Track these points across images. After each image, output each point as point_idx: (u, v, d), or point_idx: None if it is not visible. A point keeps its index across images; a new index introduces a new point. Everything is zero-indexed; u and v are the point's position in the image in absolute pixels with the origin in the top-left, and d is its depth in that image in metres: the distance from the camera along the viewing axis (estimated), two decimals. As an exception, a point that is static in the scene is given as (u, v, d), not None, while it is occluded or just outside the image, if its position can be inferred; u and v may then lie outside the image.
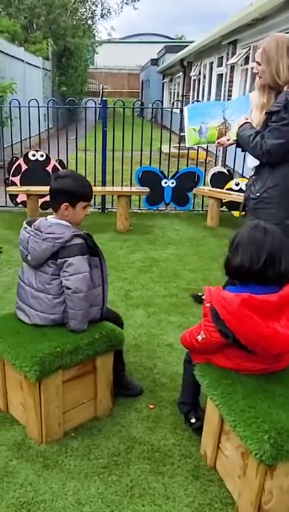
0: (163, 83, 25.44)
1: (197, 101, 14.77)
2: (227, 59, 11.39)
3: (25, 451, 2.37)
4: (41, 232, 2.37)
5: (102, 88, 31.33)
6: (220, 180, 6.57)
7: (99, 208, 6.93)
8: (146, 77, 31.13)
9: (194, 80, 16.49)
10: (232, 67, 10.91)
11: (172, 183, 6.64)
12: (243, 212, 3.46)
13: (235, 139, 3.52)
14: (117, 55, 38.12)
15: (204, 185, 6.77)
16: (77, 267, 2.35)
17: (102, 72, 38.68)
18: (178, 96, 20.30)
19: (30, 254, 2.41)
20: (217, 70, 12.95)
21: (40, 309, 2.45)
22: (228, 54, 11.29)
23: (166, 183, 6.64)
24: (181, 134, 7.90)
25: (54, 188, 2.43)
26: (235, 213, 6.75)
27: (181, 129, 16.08)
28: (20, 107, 6.46)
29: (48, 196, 2.50)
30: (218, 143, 3.75)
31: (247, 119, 3.30)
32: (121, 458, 2.35)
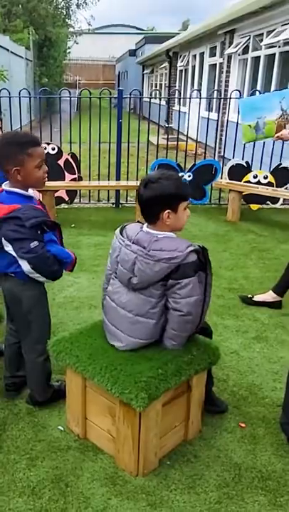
0: (143, 74, 25.03)
1: (178, 91, 14.52)
2: (223, 49, 11.12)
3: (123, 486, 2.07)
4: (145, 248, 2.00)
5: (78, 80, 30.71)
6: (238, 172, 6.32)
7: (113, 203, 6.60)
8: (124, 69, 30.65)
9: (181, 71, 16.19)
10: (229, 57, 10.66)
11: (189, 176, 6.35)
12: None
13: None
14: (89, 46, 37.36)
15: (222, 178, 6.51)
16: (191, 290, 2.01)
17: (77, 63, 37.86)
18: (160, 87, 19.97)
19: (137, 276, 2.03)
20: (209, 60, 12.68)
21: (139, 336, 2.12)
22: (223, 44, 11.02)
23: (182, 176, 6.34)
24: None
25: (149, 196, 2.01)
26: (253, 206, 6.54)
27: (168, 121, 15.80)
28: (35, 97, 6.04)
29: (140, 208, 2.09)
30: (278, 137, 3.50)
31: None
32: (231, 489, 2.08)
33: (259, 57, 9.41)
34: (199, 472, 2.16)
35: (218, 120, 6.94)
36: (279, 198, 6.40)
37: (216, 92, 7.51)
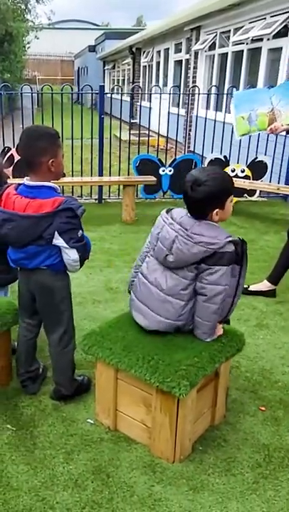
0: (104, 70, 24.92)
1: (159, 87, 14.59)
2: (189, 45, 11.24)
3: (162, 473, 2.12)
4: (187, 230, 2.07)
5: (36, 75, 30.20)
6: (216, 166, 6.44)
7: (95, 199, 6.60)
8: (83, 64, 30.39)
9: (145, 67, 16.24)
10: (196, 54, 10.79)
11: (170, 171, 6.44)
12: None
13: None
14: (46, 41, 36.83)
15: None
16: (219, 279, 2.08)
17: (35, 59, 37.22)
18: (123, 83, 19.96)
19: (173, 255, 2.10)
20: (174, 57, 12.79)
21: (167, 315, 2.19)
22: (189, 40, 11.14)
23: (163, 171, 6.42)
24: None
25: (198, 198, 2.05)
26: (231, 200, 6.68)
27: (132, 117, 15.84)
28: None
29: (187, 207, 2.12)
30: (271, 129, 3.60)
31: None
32: (265, 469, 2.17)
33: (226, 53, 9.58)
34: (232, 455, 2.25)
35: (196, 116, 7.02)
36: (255, 191, 6.57)
37: (190, 88, 7.56)
